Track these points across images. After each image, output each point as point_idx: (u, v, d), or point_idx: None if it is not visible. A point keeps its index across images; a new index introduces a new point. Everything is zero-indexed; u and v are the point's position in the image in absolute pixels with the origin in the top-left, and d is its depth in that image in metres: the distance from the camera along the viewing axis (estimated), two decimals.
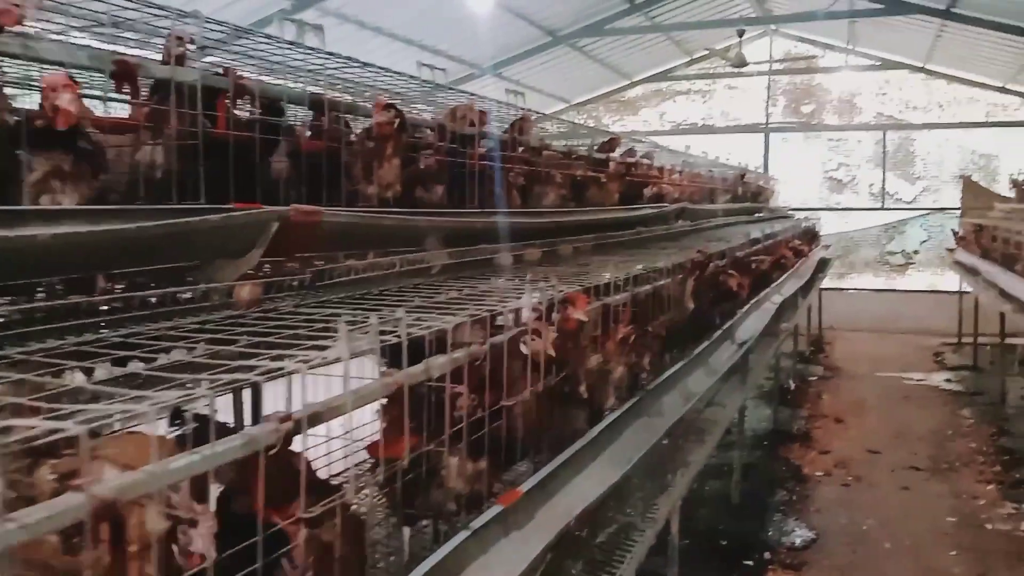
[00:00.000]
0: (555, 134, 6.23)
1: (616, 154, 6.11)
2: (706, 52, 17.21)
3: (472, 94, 4.21)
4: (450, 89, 3.58)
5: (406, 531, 2.30)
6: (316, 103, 2.75)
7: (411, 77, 3.21)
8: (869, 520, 6.73)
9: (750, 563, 5.98)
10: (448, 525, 2.23)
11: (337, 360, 1.51)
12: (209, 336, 1.76)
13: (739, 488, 6.98)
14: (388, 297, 2.48)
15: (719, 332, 5.16)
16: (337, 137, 2.80)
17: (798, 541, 6.35)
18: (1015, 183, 12.67)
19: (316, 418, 1.63)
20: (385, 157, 2.97)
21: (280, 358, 1.52)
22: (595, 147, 6.12)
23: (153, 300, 2.04)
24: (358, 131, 3.19)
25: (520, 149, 4.23)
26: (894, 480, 7.71)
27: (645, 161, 6.86)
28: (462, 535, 2.00)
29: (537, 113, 5.23)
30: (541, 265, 3.80)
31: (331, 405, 1.69)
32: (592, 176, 5.51)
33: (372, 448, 1.93)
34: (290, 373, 1.46)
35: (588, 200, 5.44)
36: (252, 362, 1.48)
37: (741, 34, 14.03)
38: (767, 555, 6.09)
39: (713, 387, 4.41)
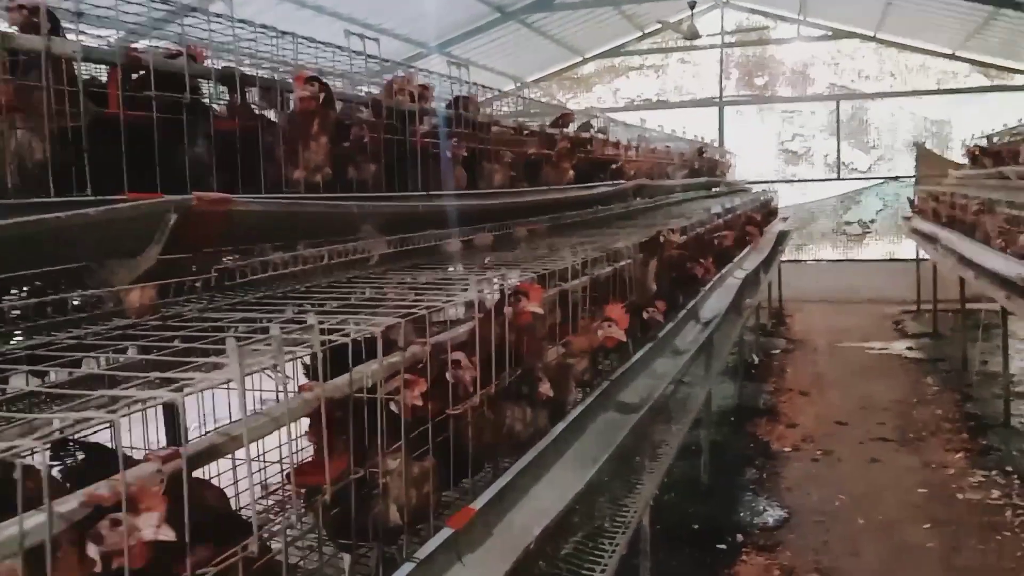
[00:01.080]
0: (510, 113, 5.96)
1: (570, 130, 5.85)
2: (658, 26, 16.98)
3: (412, 67, 3.90)
4: (385, 62, 3.26)
5: (346, 559, 2.02)
6: (225, 78, 2.43)
7: (339, 48, 2.89)
8: (841, 496, 6.60)
9: (723, 547, 5.81)
10: (393, 550, 1.96)
11: (227, 382, 1.23)
12: (79, 355, 1.46)
13: (708, 469, 6.81)
14: (315, 294, 2.19)
15: (683, 312, 4.93)
16: (252, 116, 2.48)
17: (770, 521, 6.20)
18: (969, 150, 12.69)
19: (212, 453, 1.34)
20: (310, 136, 2.66)
21: (159, 382, 1.23)
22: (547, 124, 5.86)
23: (17, 312, 1.72)
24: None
25: (465, 126, 3.93)
26: (863, 452, 7.61)
27: (600, 136, 6.61)
28: (406, 568, 1.73)
29: (488, 89, 4.94)
30: (493, 251, 3.53)
31: (232, 434, 1.40)
32: (545, 154, 5.24)
33: (296, 473, 1.64)
34: (161, 404, 1.18)
35: (542, 179, 5.17)
36: (118, 390, 1.19)
37: (692, 6, 13.80)
38: (740, 537, 5.93)
39: (680, 370, 4.18)
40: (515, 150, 4.56)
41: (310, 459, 1.70)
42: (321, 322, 1.63)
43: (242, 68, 2.52)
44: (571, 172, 5.49)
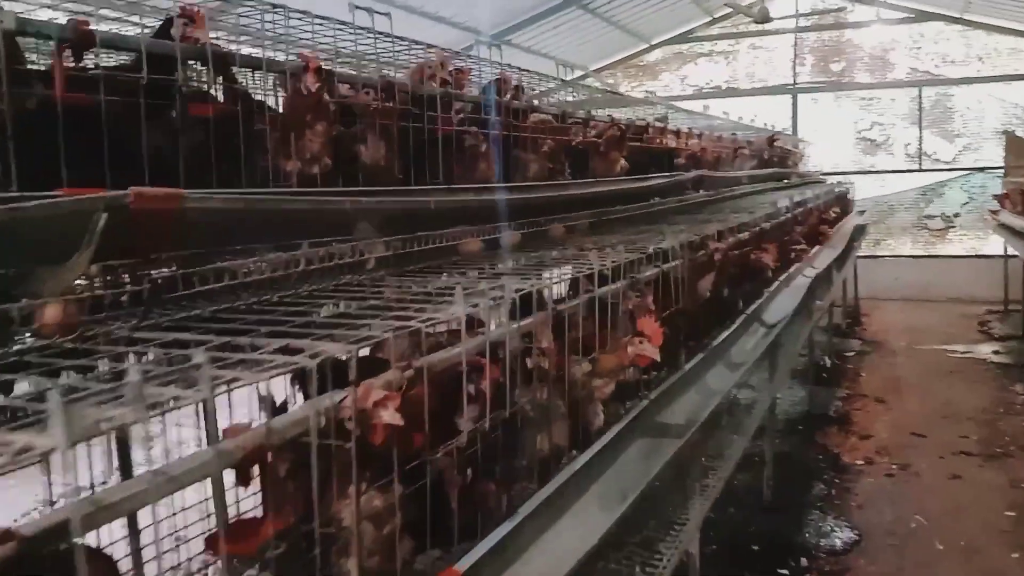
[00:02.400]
0: (574, 103, 5.63)
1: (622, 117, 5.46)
2: (728, 10, 16.31)
3: (435, 47, 3.56)
4: (398, 40, 2.93)
5: None
6: (200, 56, 2.12)
7: (340, 23, 2.57)
8: (917, 516, 6.06)
9: (785, 572, 5.35)
10: None
11: (50, 452, 0.91)
12: None
13: (771, 483, 6.33)
14: (282, 307, 1.87)
15: (743, 316, 4.49)
16: (232, 100, 2.17)
17: (839, 543, 5.70)
18: None
19: (89, 522, 1.03)
20: (305, 124, 2.35)
21: None
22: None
23: None
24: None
25: (497, 113, 3.58)
26: (943, 468, 7.02)
27: (658, 124, 6.18)
28: None
29: (540, 76, 4.58)
30: (520, 251, 3.18)
31: (130, 492, 1.09)
32: (592, 143, 4.86)
33: (220, 539, 1.33)
34: None
35: (590, 171, 4.79)
36: None
37: None
38: (804, 561, 5.46)
39: (737, 384, 3.76)
40: (556, 139, 4.19)
41: (245, 517, 1.39)
42: (255, 347, 1.32)
43: (220, 44, 2.22)
44: (622, 163, 5.10)
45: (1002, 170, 14.47)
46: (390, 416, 1.37)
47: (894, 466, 7.07)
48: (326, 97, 2.35)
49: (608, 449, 2.57)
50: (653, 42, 17.19)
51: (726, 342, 3.95)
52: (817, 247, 7.68)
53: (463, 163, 3.31)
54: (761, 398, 4.88)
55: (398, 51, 2.98)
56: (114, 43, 1.92)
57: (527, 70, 4.58)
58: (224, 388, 1.28)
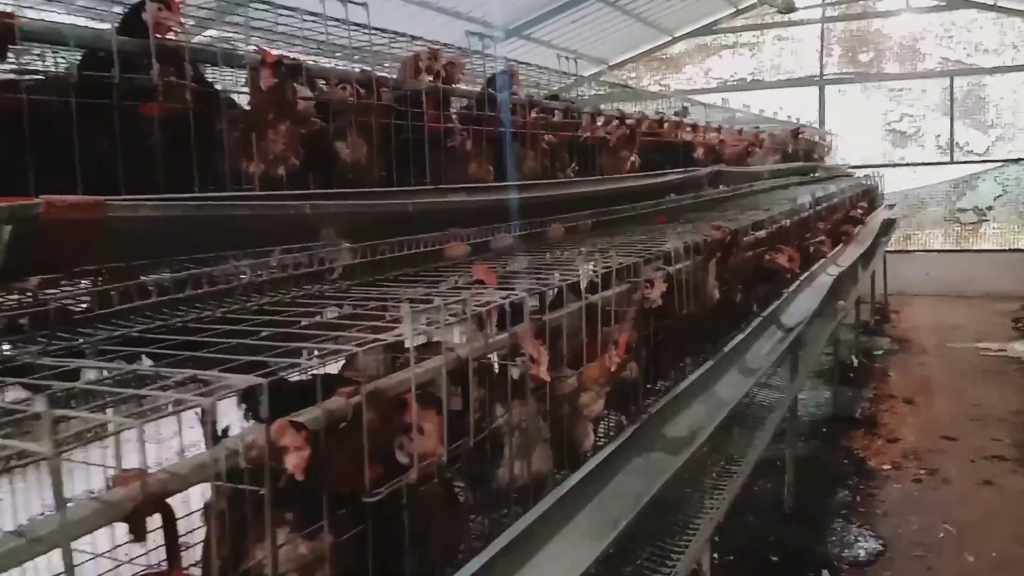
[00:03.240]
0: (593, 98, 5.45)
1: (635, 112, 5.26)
2: (753, 2, 15.98)
3: (417, 39, 3.37)
4: (375, 31, 2.75)
5: None
6: (133, 52, 1.95)
7: (312, 15, 2.40)
8: (946, 525, 5.79)
9: None
10: None
11: None
12: None
13: (792, 489, 6.09)
14: (216, 327, 1.69)
15: (759, 319, 4.27)
16: (182, 97, 2.01)
17: (862, 554, 5.46)
18: None
19: None
20: (267, 123, 2.18)
21: None
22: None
23: None
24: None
25: (491, 108, 3.40)
26: (974, 473, 6.72)
27: (673, 118, 5.96)
28: None
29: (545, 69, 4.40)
30: (512, 255, 3.00)
31: None
32: (600, 139, 4.67)
33: None
34: None
35: (598, 168, 4.60)
36: None
37: None
38: (826, 573, 5.22)
39: (748, 393, 3.55)
40: (558, 135, 4.00)
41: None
42: (162, 376, 1.15)
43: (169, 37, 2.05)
44: (633, 159, 4.90)
45: None
46: (294, 462, 1.20)
47: (922, 471, 6.79)
48: (293, 93, 2.18)
49: (601, 469, 2.38)
50: (676, 35, 16.88)
51: (739, 347, 3.73)
52: (842, 244, 7.41)
53: (454, 162, 3.13)
54: (779, 402, 4.66)
55: (381, 43, 2.80)
56: (45, 36, 1.76)
57: (526, 62, 4.40)
58: (74, 443, 1.12)
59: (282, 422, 1.24)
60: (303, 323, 1.72)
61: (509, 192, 3.39)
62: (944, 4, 15.22)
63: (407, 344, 1.49)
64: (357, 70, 2.71)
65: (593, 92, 5.88)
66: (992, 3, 14.68)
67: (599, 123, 4.92)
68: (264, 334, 1.59)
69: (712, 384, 3.44)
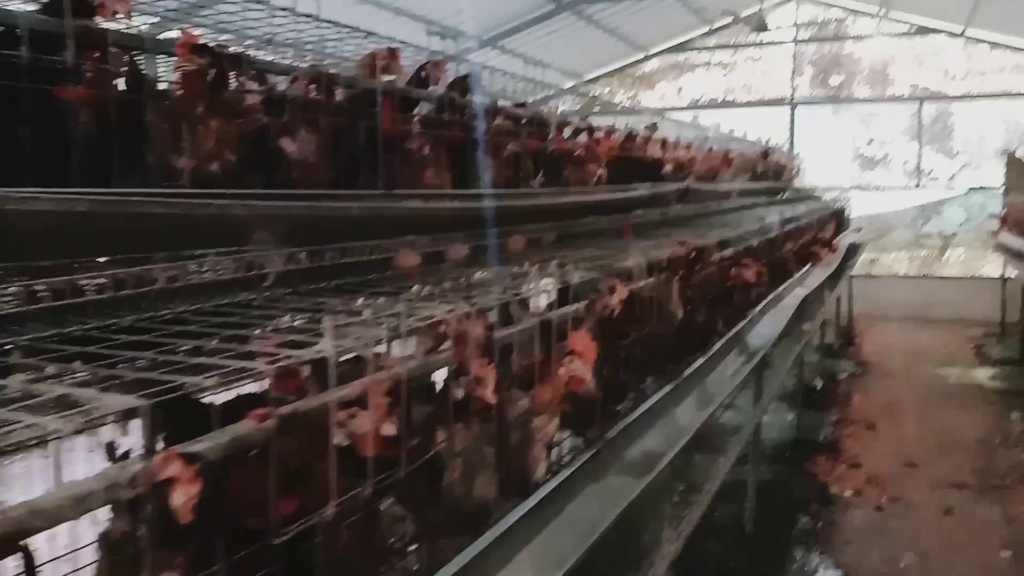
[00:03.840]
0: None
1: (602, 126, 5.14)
2: (726, 21, 16.03)
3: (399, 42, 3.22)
4: (327, 24, 2.59)
5: None
6: (49, 34, 1.77)
7: (258, 3, 2.23)
8: (908, 554, 5.70)
9: None
10: None
11: None
12: None
13: (754, 515, 5.97)
14: (118, 338, 1.50)
15: (723, 340, 4.15)
16: (105, 84, 1.83)
17: None
18: None
19: None
20: (198, 115, 2.00)
21: None
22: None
23: None
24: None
25: (451, 111, 3.25)
26: (936, 501, 6.66)
27: (641, 133, 5.85)
28: None
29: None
30: (466, 266, 2.84)
31: None
32: (568, 151, 4.54)
33: None
34: None
35: (567, 180, 4.46)
36: None
37: None
38: None
39: (709, 417, 3.42)
40: (526, 144, 3.86)
41: None
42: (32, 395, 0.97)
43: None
44: (600, 173, 4.77)
45: (1002, 189, 14.18)
46: (180, 500, 1.03)
47: (884, 498, 6.71)
48: (223, 83, 2.00)
49: (553, 498, 2.22)
50: (650, 52, 16.90)
51: (702, 370, 3.60)
52: (809, 265, 7.36)
53: (410, 167, 2.97)
54: (743, 427, 4.54)
55: (334, 39, 2.64)
56: None
57: (499, 69, 4.27)
58: None
59: (168, 452, 1.07)
60: (220, 335, 1.54)
61: (468, 201, 3.23)
62: (914, 30, 15.39)
63: (328, 362, 1.32)
64: (305, 65, 2.54)
65: (565, 104, 5.75)
66: (961, 31, 14.86)
67: (567, 134, 4.80)
68: (172, 347, 1.42)
69: (673, 408, 3.30)
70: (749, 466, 6.06)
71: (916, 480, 7.10)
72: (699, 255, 3.24)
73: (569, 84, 16.56)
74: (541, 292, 2.10)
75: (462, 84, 3.47)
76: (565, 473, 2.24)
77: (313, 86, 2.59)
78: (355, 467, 1.39)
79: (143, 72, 2.01)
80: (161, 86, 2.16)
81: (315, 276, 2.24)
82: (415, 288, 2.39)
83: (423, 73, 3.19)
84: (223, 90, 2.02)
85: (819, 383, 10.13)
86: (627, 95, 17.47)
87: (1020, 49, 14.72)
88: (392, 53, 3.08)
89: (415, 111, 3.24)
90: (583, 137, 4.93)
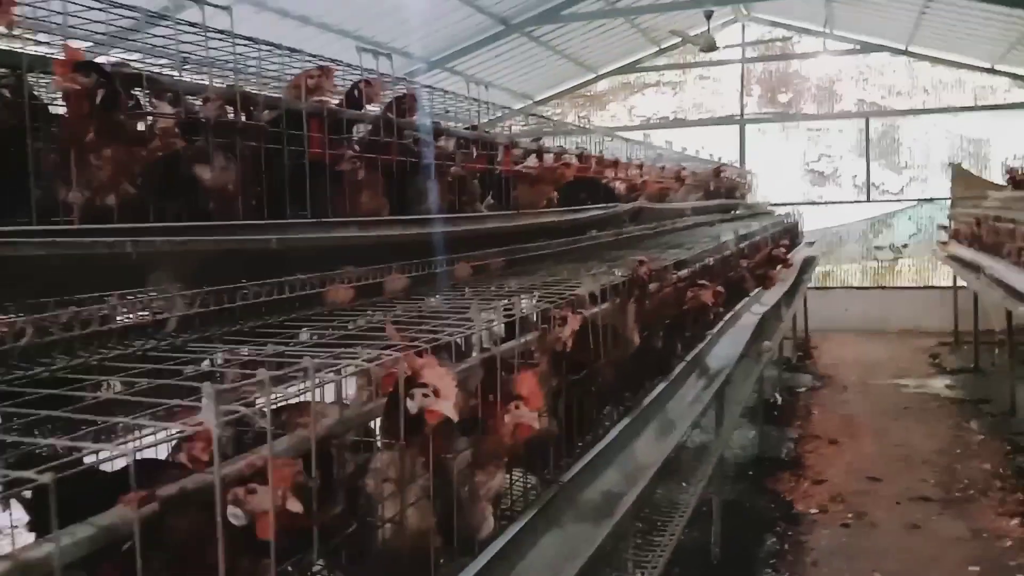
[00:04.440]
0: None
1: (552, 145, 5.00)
2: (675, 41, 16.11)
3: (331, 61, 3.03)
4: (246, 42, 2.39)
5: None
6: None
7: (159, 16, 2.02)
8: (876, 573, 5.59)
9: None
10: None
11: None
12: None
13: (720, 539, 5.80)
14: None
15: (681, 366, 4.00)
16: None
17: None
18: (1010, 170, 11.67)
19: None
20: (88, 143, 1.78)
21: None
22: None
23: None
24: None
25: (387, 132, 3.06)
26: (901, 516, 6.59)
27: (589, 154, 5.72)
28: None
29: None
30: (405, 298, 2.64)
31: None
32: (520, 173, 4.38)
33: None
34: None
35: (516, 202, 4.29)
36: None
37: (709, 15, 12.93)
38: None
39: (674, 448, 3.24)
40: (471, 166, 3.68)
41: None
42: None
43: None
44: (552, 195, 4.62)
45: (949, 200, 14.40)
46: None
47: (849, 515, 6.62)
48: (117, 105, 1.79)
49: (502, 557, 2.02)
50: (600, 72, 16.92)
51: (660, 399, 3.44)
52: (766, 282, 7.28)
53: (343, 193, 2.77)
54: (706, 455, 4.38)
55: (254, 57, 2.44)
56: None
57: (446, 91, 4.09)
58: None
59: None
60: (95, 396, 1.32)
61: (408, 227, 3.04)
62: (859, 48, 15.62)
63: (212, 434, 1.11)
64: (221, 84, 2.34)
65: (517, 126, 5.60)
66: (904, 47, 15.11)
67: (517, 155, 4.64)
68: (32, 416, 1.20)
69: (631, 442, 3.12)
70: (713, 487, 5.90)
71: (880, 495, 7.02)
72: (655, 277, 3.08)
73: (519, 105, 16.51)
74: (484, 326, 1.92)
75: (400, 104, 3.29)
76: (516, 527, 2.05)
77: (230, 108, 2.38)
78: (260, 548, 1.18)
79: (26, 95, 1.79)
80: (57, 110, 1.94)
81: (226, 319, 2.02)
82: (353, 324, 2.19)
83: (356, 93, 3.00)
84: (116, 113, 1.81)
85: (778, 398, 10.08)
86: (579, 115, 17.45)
87: (962, 65, 15.01)
88: (324, 72, 2.89)
89: (351, 133, 3.04)
90: (533, 158, 4.79)
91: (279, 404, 1.39)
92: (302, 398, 1.35)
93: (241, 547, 1.16)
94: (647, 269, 3.02)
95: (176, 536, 1.21)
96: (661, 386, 3.52)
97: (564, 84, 17.05)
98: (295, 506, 1.16)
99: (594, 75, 16.98)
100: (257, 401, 1.16)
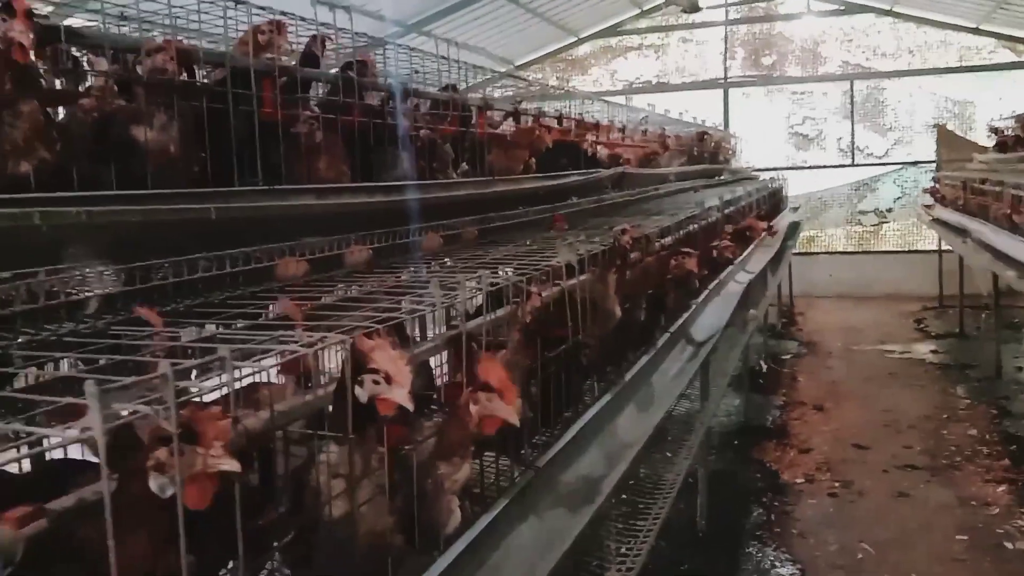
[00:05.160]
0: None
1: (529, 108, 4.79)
2: (658, 3, 15.82)
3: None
4: None
5: None
6: None
7: None
8: (864, 544, 5.50)
9: None
10: None
11: None
12: None
13: (706, 511, 5.69)
14: None
15: (665, 336, 3.83)
16: None
17: None
18: (995, 130, 11.52)
19: None
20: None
21: None
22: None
23: None
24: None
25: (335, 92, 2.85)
26: (888, 484, 6.50)
27: (574, 116, 5.52)
28: None
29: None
30: (367, 273, 2.44)
31: None
32: (494, 136, 4.17)
33: None
34: None
35: (489, 168, 4.08)
36: None
37: None
38: None
39: (657, 427, 3.09)
40: (443, 129, 3.47)
41: None
42: None
43: None
44: (530, 160, 4.42)
45: (934, 164, 14.28)
46: None
47: (836, 484, 6.53)
48: (19, 57, 1.57)
49: (473, 549, 1.85)
50: (581, 35, 16.59)
51: (643, 373, 3.27)
52: (750, 248, 7.12)
53: (298, 158, 2.56)
54: (691, 432, 4.24)
55: (193, 9, 2.21)
56: None
57: (421, 51, 3.87)
58: None
59: None
60: None
61: (372, 195, 2.84)
62: (843, 8, 15.37)
63: (97, 440, 0.92)
64: (157, 38, 2.12)
65: (497, 91, 5.38)
66: (888, 8, 14.89)
67: (493, 119, 4.44)
68: None
69: (613, 420, 2.96)
70: (698, 458, 5.78)
71: (866, 463, 6.94)
72: (637, 246, 2.89)
73: (500, 70, 16.19)
74: (444, 303, 1.73)
75: (362, 64, 3.07)
76: (488, 517, 1.88)
77: (172, 64, 2.16)
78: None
79: None
80: None
81: (159, 298, 1.81)
82: (307, 302, 1.99)
83: (314, 50, 2.78)
84: (27, 70, 1.60)
85: (763, 365, 9.98)
86: (560, 80, 17.14)
87: (947, 25, 14.81)
88: (276, 26, 2.66)
89: (307, 93, 2.83)
90: (510, 122, 4.58)
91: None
92: (216, 394, 1.17)
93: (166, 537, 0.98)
94: (629, 237, 2.84)
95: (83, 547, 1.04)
96: (644, 359, 3.35)
97: (545, 48, 16.72)
98: (231, 465, 0.98)
99: (575, 39, 16.66)
100: (161, 399, 0.98)
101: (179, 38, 2.25)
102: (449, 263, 2.55)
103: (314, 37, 2.81)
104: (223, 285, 2.02)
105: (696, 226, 4.69)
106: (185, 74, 2.15)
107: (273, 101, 2.41)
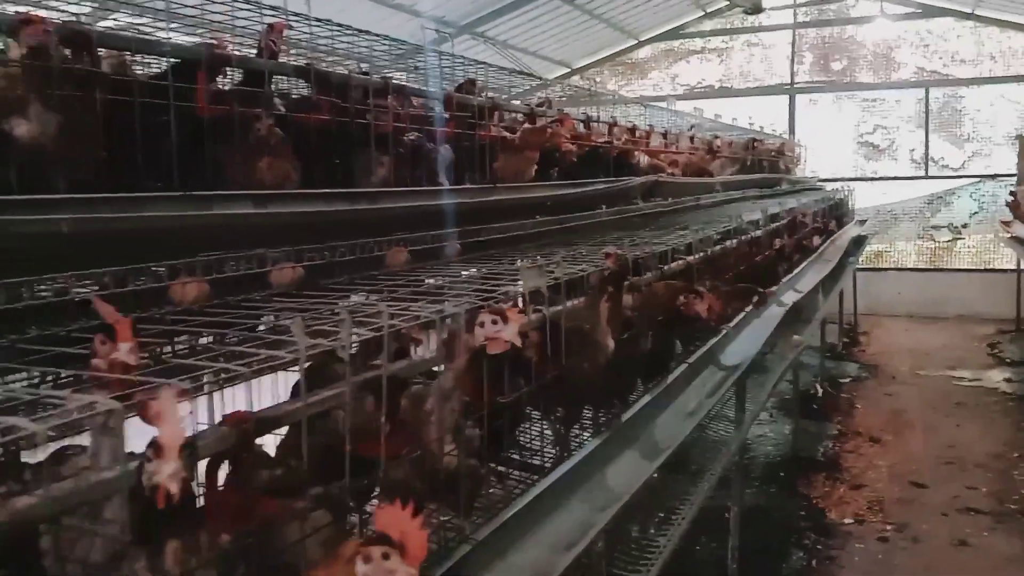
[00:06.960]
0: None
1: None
2: (722, 5, 15.24)
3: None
4: None
5: None
6: None
7: None
8: None
9: None
10: None
11: None
12: None
13: (738, 553, 5.20)
14: None
15: (682, 368, 3.40)
16: None
17: None
18: None
19: None
20: None
21: None
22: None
23: None
24: None
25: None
26: (947, 529, 5.90)
27: (605, 120, 5.11)
28: None
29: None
30: (288, 297, 2.09)
31: None
32: (503, 139, 3.80)
33: None
34: None
35: (497, 173, 3.72)
36: None
37: None
38: None
39: (653, 470, 2.67)
40: (424, 129, 3.12)
41: None
42: None
43: None
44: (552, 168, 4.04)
45: (1015, 177, 13.36)
46: None
47: (889, 527, 5.96)
48: None
49: None
50: (642, 38, 16.09)
51: (646, 413, 2.85)
52: (802, 265, 6.59)
53: (234, 158, 2.23)
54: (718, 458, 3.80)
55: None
56: None
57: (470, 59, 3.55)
58: None
59: None
60: None
61: (334, 202, 2.50)
62: (920, 11, 14.55)
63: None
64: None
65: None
66: (970, 11, 14.02)
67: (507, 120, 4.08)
68: None
69: (615, 458, 2.56)
70: (733, 493, 5.27)
71: (924, 504, 6.34)
72: (621, 272, 2.46)
73: (557, 74, 15.80)
74: (306, 352, 1.37)
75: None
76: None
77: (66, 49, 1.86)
78: None
79: None
80: None
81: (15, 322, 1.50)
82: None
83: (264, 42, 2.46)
84: None
85: (819, 389, 9.36)
86: (619, 84, 16.67)
87: None
88: (279, 28, 2.35)
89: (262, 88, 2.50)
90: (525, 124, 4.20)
91: None
92: None
93: None
94: (613, 261, 2.42)
95: None
96: (648, 397, 2.93)
97: (603, 51, 16.27)
98: None
99: (635, 41, 16.17)
100: None
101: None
102: (388, 284, 2.19)
103: (271, 27, 2.48)
104: (85, 312, 1.69)
105: (727, 244, 4.22)
106: (76, 57, 1.84)
107: (198, 93, 2.09)
